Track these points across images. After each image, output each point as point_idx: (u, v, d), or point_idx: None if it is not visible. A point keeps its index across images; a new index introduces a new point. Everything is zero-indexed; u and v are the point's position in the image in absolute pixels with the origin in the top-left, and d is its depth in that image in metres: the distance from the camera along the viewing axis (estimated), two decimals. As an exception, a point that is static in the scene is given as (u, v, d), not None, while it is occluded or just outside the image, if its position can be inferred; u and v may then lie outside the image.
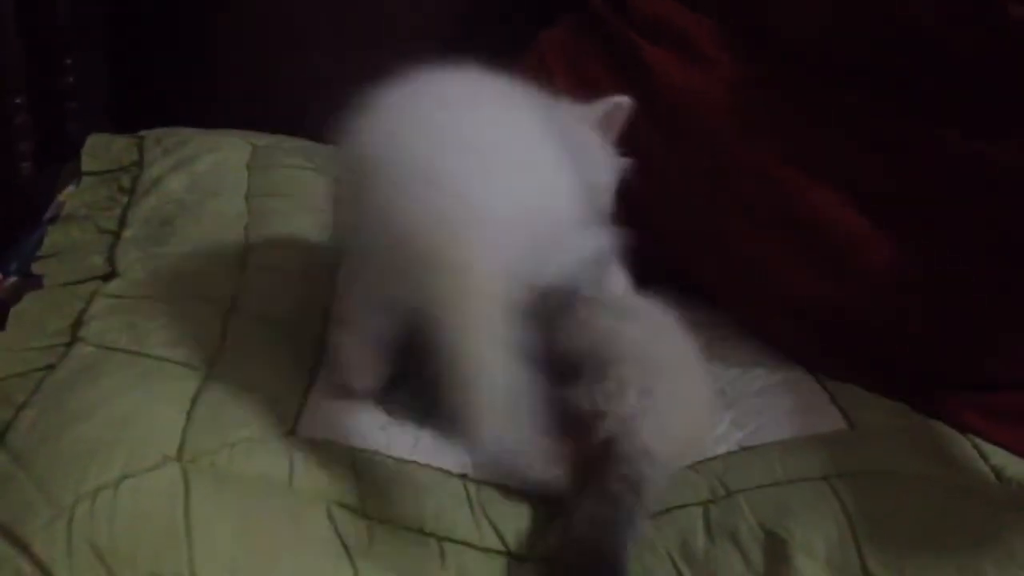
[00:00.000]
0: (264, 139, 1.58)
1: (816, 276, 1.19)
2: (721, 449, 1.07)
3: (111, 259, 1.23)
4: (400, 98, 1.02)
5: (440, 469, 0.99)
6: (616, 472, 0.95)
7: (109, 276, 1.20)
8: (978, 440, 1.09)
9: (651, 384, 1.00)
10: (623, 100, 1.15)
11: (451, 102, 1.02)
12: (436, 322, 0.88)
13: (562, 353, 1.01)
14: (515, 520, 0.97)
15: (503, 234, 0.92)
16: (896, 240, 1.17)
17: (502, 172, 0.97)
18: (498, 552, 0.95)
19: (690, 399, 1.05)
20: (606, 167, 1.16)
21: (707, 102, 1.28)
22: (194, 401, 0.99)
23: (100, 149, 1.51)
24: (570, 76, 1.36)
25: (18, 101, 1.51)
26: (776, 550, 0.93)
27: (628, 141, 1.27)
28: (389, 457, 0.99)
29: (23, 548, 0.83)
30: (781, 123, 1.25)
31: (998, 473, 1.04)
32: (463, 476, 0.99)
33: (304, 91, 1.67)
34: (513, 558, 0.95)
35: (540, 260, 0.98)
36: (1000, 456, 1.07)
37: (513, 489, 0.99)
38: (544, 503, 0.99)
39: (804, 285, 1.20)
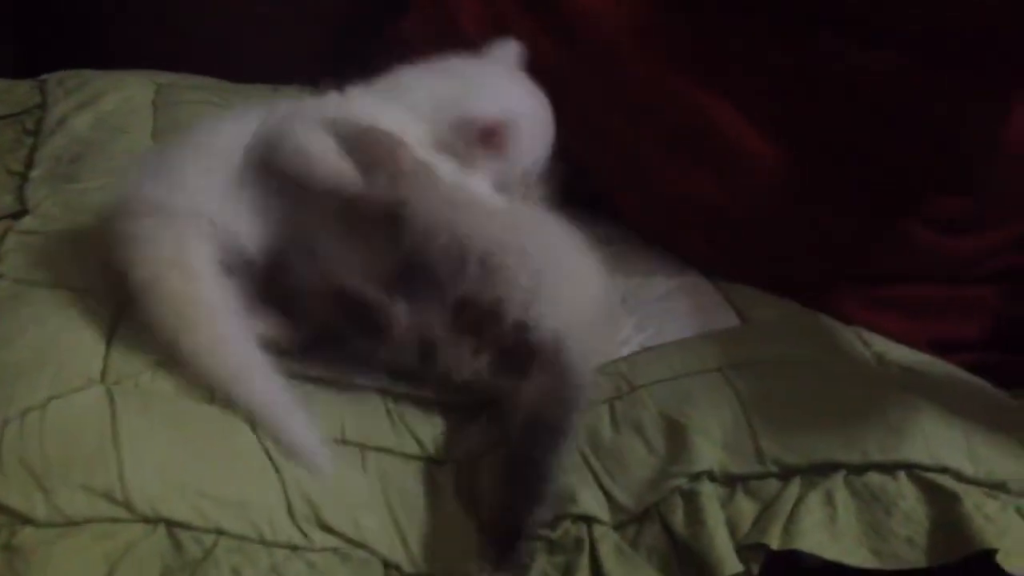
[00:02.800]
0: (167, 77, 1.58)
1: (707, 181, 1.25)
2: (624, 351, 1.13)
3: (21, 198, 1.24)
4: None
5: (357, 385, 1.03)
6: (548, 357, 1.00)
7: (20, 214, 1.20)
8: (861, 330, 1.17)
9: (534, 269, 1.04)
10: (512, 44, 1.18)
11: None
12: None
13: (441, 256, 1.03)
14: (432, 428, 1.03)
15: None
16: (774, 142, 1.22)
17: None
18: (416, 457, 1.01)
19: (584, 280, 1.10)
20: None
21: (606, 19, 1.32)
22: (113, 328, 1.02)
23: (2, 93, 1.50)
24: (475, 2, 1.39)
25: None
26: (675, 434, 1.00)
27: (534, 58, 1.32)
28: (306, 376, 1.02)
29: None
30: (667, 35, 1.29)
31: (879, 358, 1.12)
32: (381, 391, 1.04)
33: (204, 29, 1.69)
34: (432, 461, 1.01)
35: None
36: (881, 343, 1.15)
37: (428, 401, 1.04)
38: (456, 411, 1.05)
39: (696, 190, 1.25)
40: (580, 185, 1.29)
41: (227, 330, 0.99)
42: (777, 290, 1.22)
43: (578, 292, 1.08)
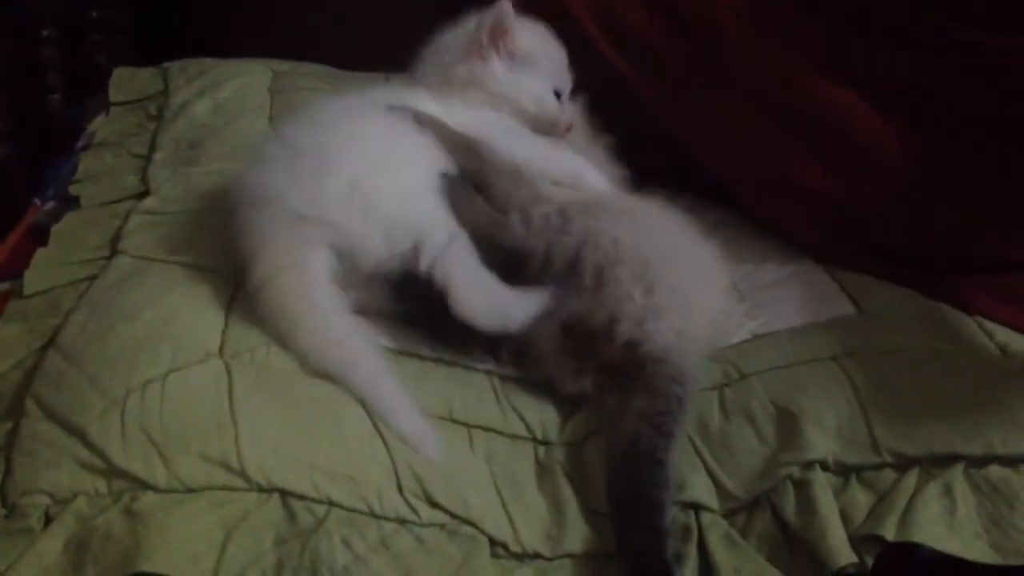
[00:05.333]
0: (283, 65, 1.62)
1: (826, 168, 1.22)
2: (735, 339, 1.11)
3: (144, 179, 1.28)
4: None
5: (466, 366, 1.05)
6: (654, 370, 0.99)
7: (143, 195, 1.24)
8: (984, 320, 1.12)
9: (650, 281, 1.03)
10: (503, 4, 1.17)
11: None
12: None
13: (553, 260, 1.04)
14: (539, 410, 1.03)
15: None
16: (904, 132, 1.19)
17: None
18: (523, 438, 1.01)
19: (694, 286, 1.08)
20: None
21: (720, 8, 1.30)
22: (231, 304, 1.04)
23: (126, 80, 1.55)
24: None
25: (45, 33, 1.53)
26: (788, 424, 0.98)
27: (639, 43, 1.30)
28: (416, 355, 1.04)
29: (80, 436, 0.89)
30: (788, 21, 1.27)
31: (1003, 348, 1.08)
32: (488, 372, 1.05)
33: (318, 19, 1.71)
34: (538, 443, 1.01)
35: None
36: (1005, 333, 1.10)
37: (535, 383, 1.04)
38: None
39: (814, 177, 1.22)
40: (693, 171, 1.28)
41: (337, 329, 1.00)
42: (892, 279, 1.19)
43: (694, 297, 1.07)
